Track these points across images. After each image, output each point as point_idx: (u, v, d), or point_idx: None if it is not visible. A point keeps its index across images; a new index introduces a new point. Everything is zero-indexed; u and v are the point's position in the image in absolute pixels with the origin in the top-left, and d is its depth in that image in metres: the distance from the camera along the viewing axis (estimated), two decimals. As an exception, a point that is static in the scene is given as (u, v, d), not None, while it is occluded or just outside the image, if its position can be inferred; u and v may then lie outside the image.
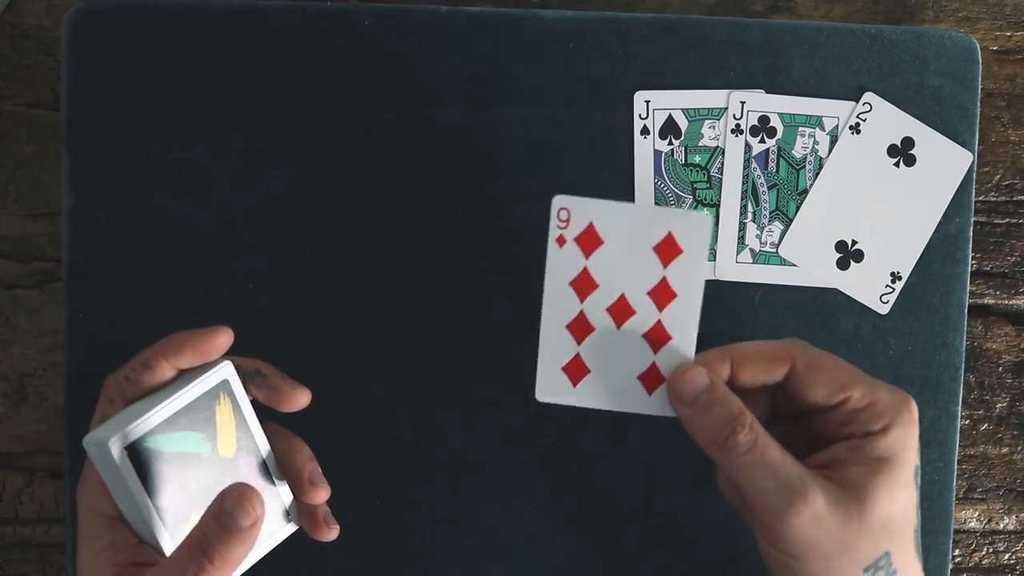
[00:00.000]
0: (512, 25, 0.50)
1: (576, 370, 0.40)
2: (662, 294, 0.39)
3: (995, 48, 0.55)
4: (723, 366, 0.40)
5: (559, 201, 0.39)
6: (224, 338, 0.41)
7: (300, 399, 0.42)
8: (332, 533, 0.43)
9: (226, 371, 0.42)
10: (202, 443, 0.41)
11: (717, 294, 0.51)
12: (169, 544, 0.39)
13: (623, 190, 0.50)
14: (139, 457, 0.39)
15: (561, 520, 0.51)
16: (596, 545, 0.51)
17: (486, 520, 0.51)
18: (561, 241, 0.39)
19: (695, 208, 0.50)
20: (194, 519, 0.40)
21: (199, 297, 0.50)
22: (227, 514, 0.37)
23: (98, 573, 0.39)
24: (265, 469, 0.43)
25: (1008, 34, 0.55)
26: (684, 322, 0.39)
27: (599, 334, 0.40)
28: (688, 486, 0.51)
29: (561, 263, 0.39)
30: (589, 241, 0.39)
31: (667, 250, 0.38)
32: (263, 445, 0.43)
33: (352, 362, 0.50)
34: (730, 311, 0.51)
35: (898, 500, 0.38)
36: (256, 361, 0.43)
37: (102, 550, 0.39)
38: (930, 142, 0.51)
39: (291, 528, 0.44)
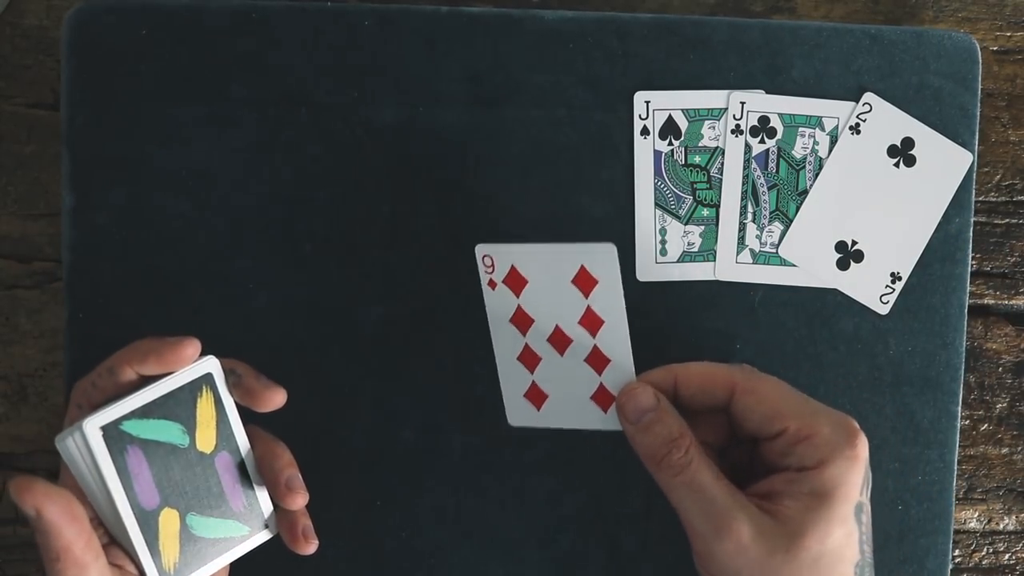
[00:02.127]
0: (512, 25, 0.50)
1: (536, 396, 0.43)
2: (591, 322, 0.41)
3: (995, 48, 0.55)
4: (667, 385, 0.42)
5: (481, 249, 0.42)
6: (191, 349, 0.40)
7: (275, 399, 0.42)
8: (310, 547, 0.43)
9: (210, 365, 0.41)
10: (180, 434, 0.41)
11: (717, 294, 0.51)
12: (137, 535, 0.39)
13: (623, 190, 0.50)
14: (115, 439, 0.39)
15: (561, 520, 0.51)
16: (596, 545, 0.51)
17: (486, 520, 0.51)
18: (492, 285, 0.42)
19: (694, 208, 0.50)
20: (166, 511, 0.40)
21: (199, 297, 0.50)
22: (26, 513, 0.37)
23: None
24: (243, 470, 0.43)
25: (1008, 34, 0.55)
26: (617, 345, 0.41)
27: (547, 362, 0.43)
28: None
29: (497, 304, 0.42)
30: (516, 282, 0.42)
31: (584, 282, 0.41)
32: (243, 446, 0.43)
33: (352, 362, 0.50)
34: (730, 311, 0.51)
35: (831, 537, 0.38)
36: (231, 360, 0.43)
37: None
38: (930, 142, 0.51)
39: (266, 535, 0.43)
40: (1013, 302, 0.55)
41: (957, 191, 0.51)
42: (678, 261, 0.50)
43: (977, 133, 0.51)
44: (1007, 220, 0.55)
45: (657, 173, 0.50)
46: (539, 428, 0.44)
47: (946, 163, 0.51)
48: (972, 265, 0.52)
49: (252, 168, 0.50)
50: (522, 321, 0.42)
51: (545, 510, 0.51)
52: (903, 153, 0.51)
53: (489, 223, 0.50)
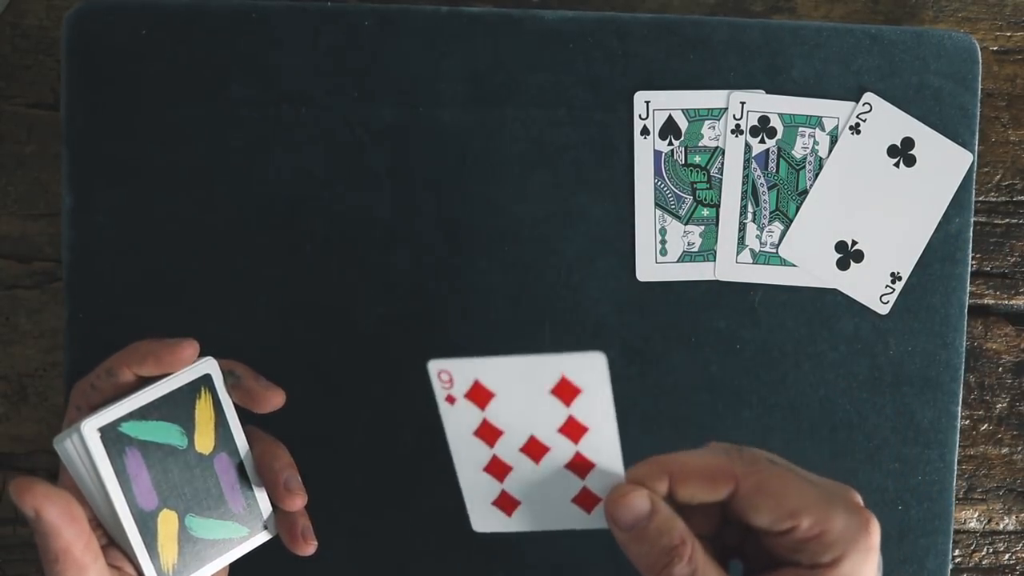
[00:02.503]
0: (512, 25, 0.50)
1: (507, 503, 0.38)
2: (573, 430, 0.36)
3: (995, 48, 0.55)
4: (660, 483, 0.37)
5: (435, 365, 0.36)
6: (189, 351, 0.40)
7: (273, 400, 0.42)
8: (308, 548, 0.43)
9: (209, 366, 0.41)
10: (179, 436, 0.41)
11: (717, 294, 0.51)
12: (136, 536, 0.39)
13: (623, 190, 0.50)
14: (113, 441, 0.39)
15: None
16: (596, 545, 0.51)
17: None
18: (451, 400, 0.36)
19: (695, 208, 0.50)
20: (164, 512, 0.40)
21: (199, 297, 0.50)
22: (26, 514, 0.36)
23: None
24: (242, 471, 0.43)
25: (1008, 34, 0.55)
26: (605, 448, 0.37)
27: (519, 471, 0.37)
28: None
29: (458, 418, 0.37)
30: (480, 396, 0.36)
31: (566, 392, 0.36)
32: (242, 447, 0.43)
33: (352, 362, 0.50)
34: (730, 311, 0.51)
35: None
36: (229, 362, 0.43)
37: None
38: (930, 142, 0.51)
39: (264, 536, 0.43)
40: (1013, 302, 0.55)
41: (957, 191, 0.51)
42: (678, 261, 0.50)
43: (977, 133, 0.51)
44: (1007, 220, 0.55)
45: (657, 173, 0.50)
46: (510, 533, 0.39)
47: (946, 163, 0.51)
48: (972, 265, 0.52)
49: (252, 168, 0.50)
50: (489, 434, 0.37)
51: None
52: (903, 153, 0.51)
53: (489, 223, 0.50)
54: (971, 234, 0.51)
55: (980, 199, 0.55)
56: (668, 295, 0.50)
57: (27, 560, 0.53)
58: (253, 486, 0.43)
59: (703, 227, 0.51)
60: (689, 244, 0.50)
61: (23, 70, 0.52)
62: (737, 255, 0.51)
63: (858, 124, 0.51)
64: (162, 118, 0.49)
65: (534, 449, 0.37)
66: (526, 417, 0.36)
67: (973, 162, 0.51)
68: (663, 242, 0.50)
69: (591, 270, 0.50)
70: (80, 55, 0.49)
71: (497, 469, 0.37)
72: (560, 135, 0.50)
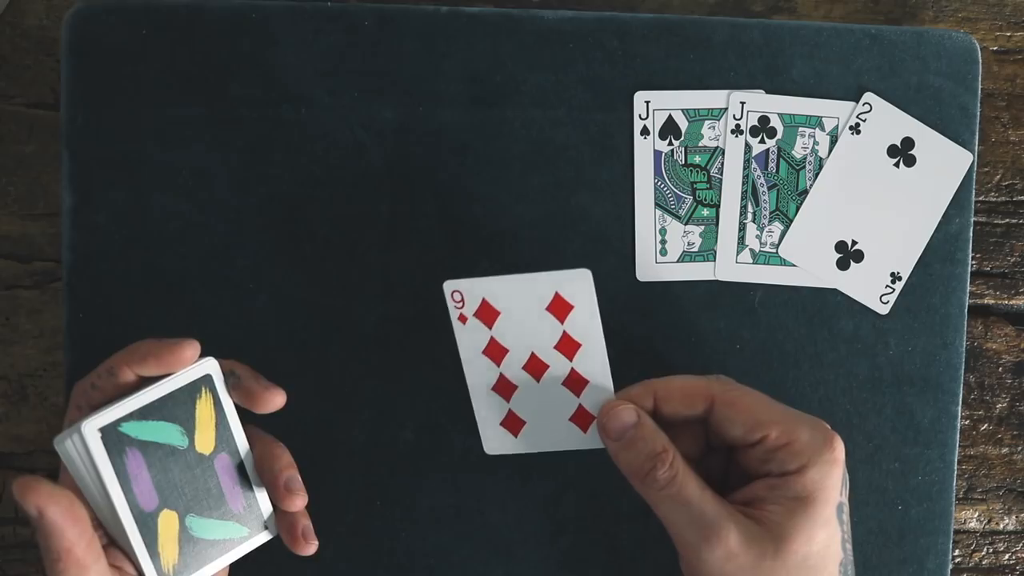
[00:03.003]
0: (512, 25, 0.50)
1: (513, 423, 0.44)
2: (568, 346, 0.42)
3: (995, 48, 0.55)
4: (647, 400, 0.42)
5: (450, 285, 0.42)
6: (190, 351, 0.40)
7: (274, 400, 0.42)
8: (309, 548, 0.43)
9: (209, 366, 0.41)
10: (179, 436, 0.41)
11: (717, 294, 0.51)
12: (136, 536, 0.39)
13: (623, 190, 0.50)
14: (114, 441, 0.39)
15: (561, 520, 0.51)
16: (596, 545, 0.51)
17: (486, 520, 0.51)
18: (463, 319, 0.42)
19: (694, 208, 0.50)
20: (165, 513, 0.40)
21: (199, 297, 0.50)
22: (27, 514, 0.37)
23: None
24: (242, 471, 0.43)
25: (1008, 34, 0.55)
26: (595, 365, 0.42)
27: (523, 390, 0.43)
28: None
29: (469, 338, 0.42)
30: (488, 315, 0.42)
31: (560, 308, 0.42)
32: (243, 447, 0.43)
33: (352, 362, 0.50)
34: (730, 311, 0.51)
35: (816, 539, 0.39)
36: (230, 362, 0.43)
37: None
38: (930, 142, 0.51)
39: (265, 536, 0.43)
40: (1013, 302, 0.55)
41: (957, 191, 0.51)
42: (678, 261, 0.50)
43: (977, 133, 0.51)
44: (1007, 220, 0.55)
45: (657, 173, 0.50)
46: (517, 455, 0.45)
47: (946, 163, 0.51)
48: (972, 265, 0.52)
49: (252, 168, 0.50)
50: (496, 352, 0.43)
51: (545, 510, 0.51)
52: (903, 153, 0.51)
53: (489, 223, 0.50)
54: (971, 234, 0.51)
55: (980, 199, 0.55)
56: (668, 295, 0.51)
57: (27, 560, 0.53)
58: (254, 486, 0.43)
59: (703, 227, 0.51)
60: (689, 244, 0.50)
61: (23, 70, 0.52)
62: (737, 255, 0.51)
63: (858, 124, 0.51)
64: (162, 118, 0.49)
65: (535, 367, 0.42)
66: (528, 335, 0.42)
67: (973, 162, 0.51)
68: (663, 242, 0.50)
69: (591, 270, 0.50)
70: (80, 55, 0.49)
71: (504, 388, 0.43)
72: (560, 135, 0.50)
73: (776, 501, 0.40)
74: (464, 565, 0.50)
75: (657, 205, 0.50)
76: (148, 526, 0.40)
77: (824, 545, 0.39)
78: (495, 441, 0.44)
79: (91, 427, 0.38)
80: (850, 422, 0.51)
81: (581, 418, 0.43)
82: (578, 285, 0.41)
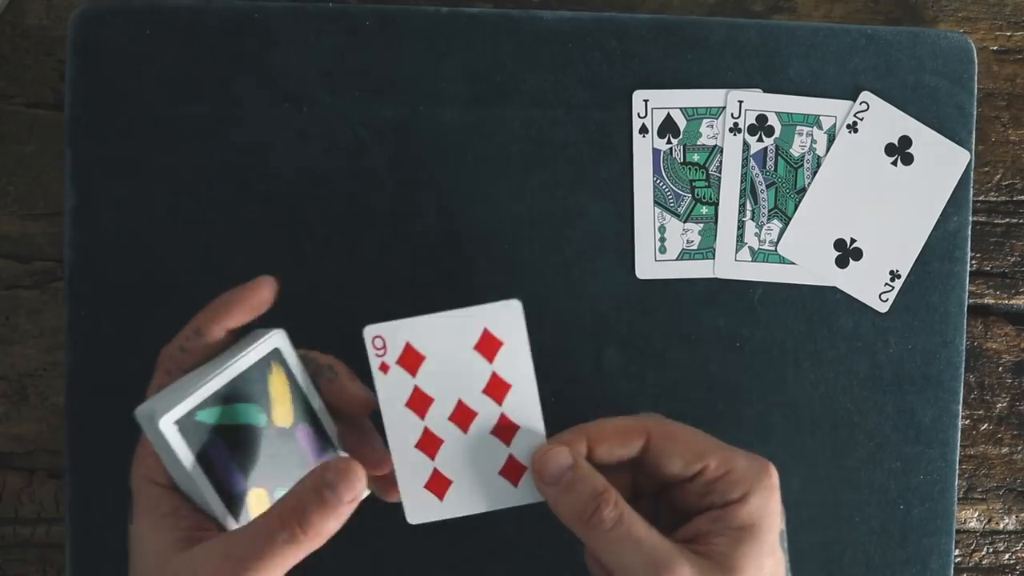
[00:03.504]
0: (512, 25, 0.50)
1: (438, 484, 0.40)
2: (497, 388, 0.39)
3: (995, 48, 0.55)
4: (580, 445, 0.40)
5: (371, 330, 0.39)
6: (267, 290, 0.40)
7: (363, 403, 0.41)
8: (396, 495, 0.42)
9: (277, 339, 0.40)
10: (256, 414, 0.39)
11: (716, 292, 0.51)
12: (229, 520, 0.38)
13: (622, 189, 0.50)
14: (191, 432, 0.37)
15: (561, 520, 0.50)
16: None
17: (486, 520, 0.50)
18: (384, 368, 0.39)
19: (693, 206, 0.51)
20: (253, 491, 0.39)
21: (199, 297, 0.49)
22: (328, 486, 0.36)
23: (162, 539, 0.37)
24: (326, 438, 0.42)
25: (1008, 34, 0.55)
26: (526, 407, 0.39)
27: (449, 444, 0.40)
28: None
29: (391, 388, 0.39)
30: (412, 361, 0.39)
31: (488, 346, 0.39)
32: (323, 415, 0.42)
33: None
34: (729, 310, 0.51)
35: (765, 567, 0.38)
36: (330, 356, 0.42)
37: (164, 516, 0.38)
38: (927, 141, 0.51)
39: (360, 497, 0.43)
40: (1013, 302, 0.55)
41: (955, 189, 0.51)
42: (677, 259, 0.50)
43: (974, 131, 0.51)
44: (1007, 220, 0.55)
45: (656, 171, 0.50)
46: (442, 521, 0.41)
47: (943, 161, 0.51)
48: (972, 265, 0.52)
49: (253, 167, 0.50)
50: (420, 403, 0.39)
51: (545, 510, 0.51)
52: (900, 151, 0.51)
53: (489, 223, 0.50)
54: (970, 232, 0.51)
55: (980, 199, 0.55)
56: (667, 293, 0.51)
57: (27, 560, 0.53)
58: (339, 451, 0.42)
59: (702, 225, 0.51)
60: (688, 242, 0.50)
61: (23, 70, 0.53)
62: (736, 253, 0.51)
63: (855, 123, 0.51)
64: (164, 118, 0.49)
65: (463, 416, 0.39)
66: (454, 379, 0.39)
67: (970, 160, 0.51)
68: (662, 240, 0.50)
69: (591, 268, 0.50)
70: (84, 55, 0.49)
71: (429, 444, 0.40)
72: (559, 134, 0.50)
73: (721, 532, 0.38)
74: (464, 565, 0.50)
75: (656, 203, 0.50)
76: (239, 507, 0.39)
77: (772, 573, 0.38)
78: (419, 508, 0.40)
79: (167, 420, 0.37)
80: (851, 420, 0.51)
81: (511, 470, 0.40)
82: (507, 319, 0.38)
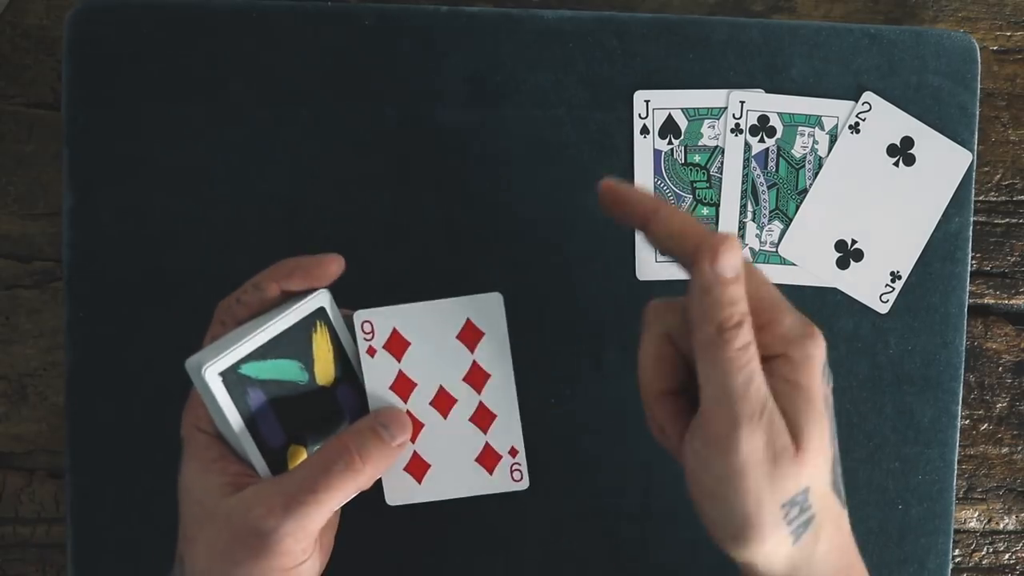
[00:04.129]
0: (512, 25, 0.50)
1: (417, 467, 0.42)
2: (476, 377, 0.41)
3: (995, 48, 0.55)
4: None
5: (361, 315, 0.41)
6: (335, 265, 0.41)
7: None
8: None
9: (322, 298, 0.41)
10: (299, 371, 0.40)
11: (717, 294, 0.51)
12: (265, 470, 0.39)
13: (623, 190, 0.50)
14: (235, 383, 0.38)
15: (561, 520, 0.51)
16: (596, 545, 0.51)
17: (486, 520, 0.51)
18: (371, 352, 0.41)
19: (694, 207, 0.51)
20: (292, 448, 0.40)
21: (199, 297, 0.49)
22: (382, 426, 0.39)
23: (211, 483, 0.39)
24: (365, 401, 0.42)
25: (1008, 34, 0.55)
26: (504, 397, 0.41)
27: (429, 429, 0.41)
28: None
29: (377, 372, 0.41)
30: (398, 346, 0.41)
31: (470, 336, 0.41)
32: (363, 378, 0.42)
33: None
34: (730, 311, 0.51)
35: (824, 436, 0.36)
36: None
37: (213, 461, 0.39)
38: (929, 141, 0.51)
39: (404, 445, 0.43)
40: (1013, 302, 0.55)
41: (957, 190, 0.51)
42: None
43: (976, 132, 0.51)
44: (1007, 220, 0.55)
45: (657, 172, 0.50)
46: (419, 504, 0.43)
47: (945, 162, 0.51)
48: (972, 265, 0.52)
49: (252, 168, 0.50)
50: (403, 387, 0.41)
51: (545, 510, 0.51)
52: (902, 152, 0.51)
53: (489, 223, 0.50)
54: (971, 233, 0.51)
55: (980, 199, 0.55)
56: (668, 294, 0.50)
57: (27, 560, 0.53)
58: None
59: (703, 226, 0.51)
60: (689, 243, 0.50)
61: (23, 70, 0.52)
62: (737, 254, 0.51)
63: (857, 123, 0.51)
64: (163, 117, 0.49)
65: (443, 402, 0.41)
66: (436, 366, 0.41)
67: (972, 161, 0.51)
68: (663, 241, 0.50)
69: (591, 270, 0.50)
70: (81, 54, 0.49)
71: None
72: (560, 134, 0.50)
73: (787, 399, 0.36)
74: (464, 565, 0.50)
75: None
76: (278, 461, 0.39)
77: (819, 442, 0.36)
78: (398, 490, 0.42)
79: (212, 371, 0.38)
80: (850, 421, 0.51)
81: (487, 458, 0.42)
82: (489, 311, 0.40)
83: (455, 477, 0.42)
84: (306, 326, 0.40)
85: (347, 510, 0.50)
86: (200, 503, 0.39)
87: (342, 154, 0.50)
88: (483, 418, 0.42)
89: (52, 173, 0.52)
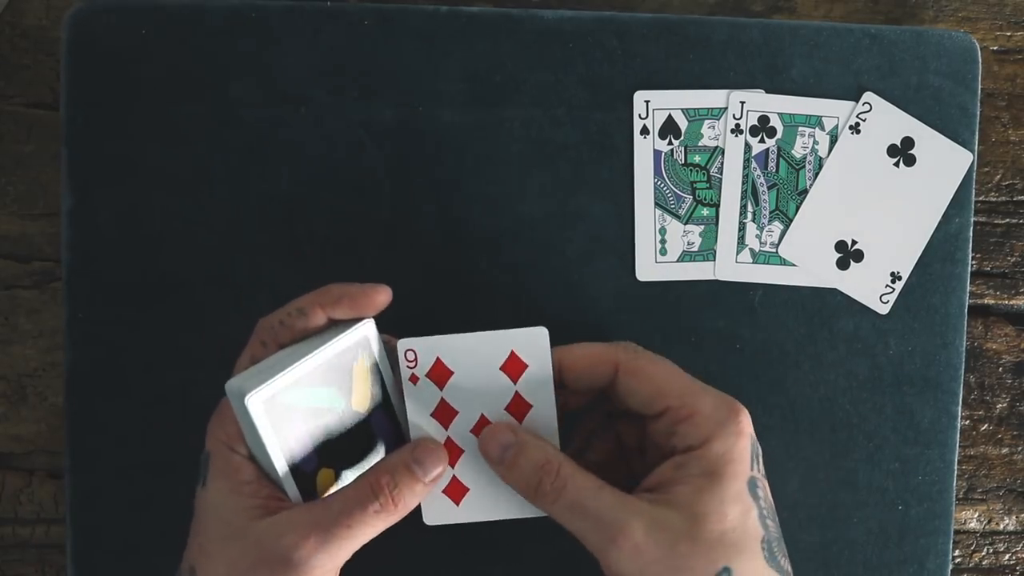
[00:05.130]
0: (512, 25, 0.50)
1: (456, 491, 0.42)
2: (519, 407, 0.41)
3: (995, 48, 0.55)
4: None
5: (404, 344, 0.41)
6: (383, 296, 0.41)
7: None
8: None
9: (367, 329, 0.41)
10: (337, 398, 0.40)
11: (717, 294, 0.51)
12: (297, 496, 0.39)
13: (623, 190, 0.50)
14: (276, 411, 0.38)
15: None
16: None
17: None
18: (414, 380, 0.41)
19: (694, 208, 0.50)
20: (323, 471, 0.40)
21: (199, 297, 0.50)
22: (418, 463, 0.39)
23: (241, 504, 0.39)
24: (398, 427, 0.42)
25: (1008, 34, 0.55)
26: (544, 427, 0.41)
27: (469, 454, 0.41)
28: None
29: (419, 399, 0.41)
30: (440, 374, 0.41)
31: (514, 367, 0.41)
32: (400, 407, 0.42)
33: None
34: (730, 311, 0.51)
35: (729, 516, 0.37)
36: (389, 336, 0.43)
37: (247, 483, 0.39)
38: (930, 142, 0.51)
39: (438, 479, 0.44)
40: (1013, 302, 0.55)
41: (957, 190, 0.51)
42: (678, 261, 0.50)
43: (977, 132, 0.51)
44: (1007, 220, 0.55)
45: (657, 173, 0.50)
46: (458, 524, 0.43)
47: (946, 162, 0.51)
48: (972, 265, 0.52)
49: (252, 168, 0.50)
50: (445, 414, 0.41)
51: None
52: (903, 152, 0.51)
53: (489, 223, 0.50)
54: (971, 234, 0.51)
55: (980, 199, 0.55)
56: (668, 295, 0.50)
57: (26, 560, 0.53)
58: (411, 438, 0.42)
59: (703, 227, 0.51)
60: (689, 244, 0.50)
61: (22, 70, 0.52)
62: (737, 255, 0.51)
63: (858, 124, 0.51)
64: (162, 118, 0.49)
65: (483, 429, 0.41)
66: (478, 396, 0.41)
67: (973, 161, 0.51)
68: (663, 242, 0.50)
69: (591, 270, 0.50)
70: (80, 55, 0.49)
71: (449, 452, 0.41)
72: (560, 135, 0.50)
73: (683, 480, 0.38)
74: (464, 565, 0.50)
75: (657, 205, 0.50)
76: (307, 485, 0.39)
77: (739, 522, 0.37)
78: (436, 510, 0.42)
79: (256, 399, 0.38)
80: (850, 422, 0.51)
81: None
82: (534, 344, 0.40)
83: (493, 500, 0.42)
84: (349, 355, 0.41)
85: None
86: (227, 523, 0.38)
87: (342, 154, 0.50)
88: None
89: (51, 173, 0.52)
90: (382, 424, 0.42)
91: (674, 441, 0.39)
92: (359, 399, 0.41)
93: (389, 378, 0.42)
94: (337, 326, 0.41)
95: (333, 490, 0.40)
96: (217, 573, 0.38)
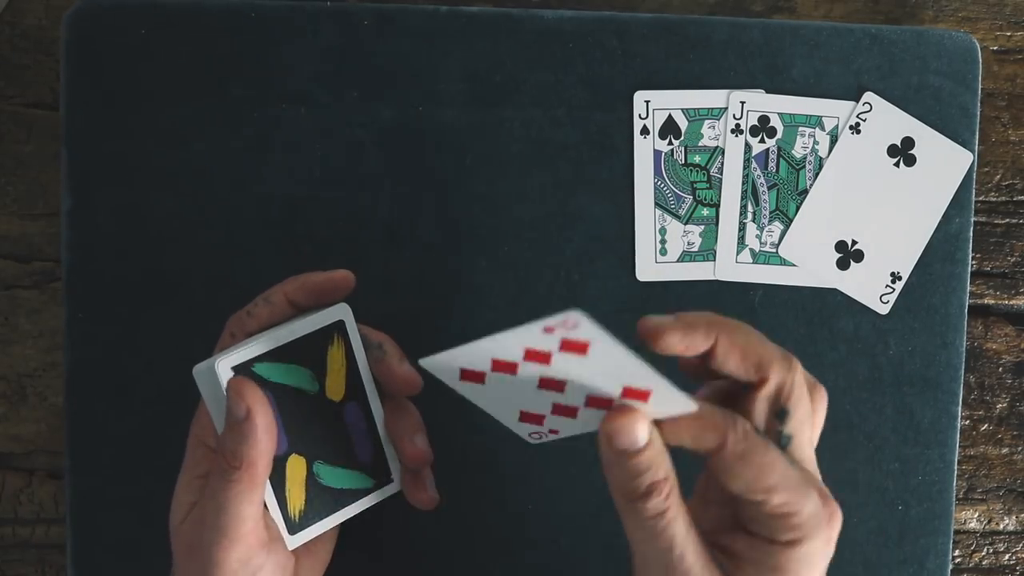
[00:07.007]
0: (512, 25, 0.50)
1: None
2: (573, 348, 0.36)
3: (995, 48, 0.55)
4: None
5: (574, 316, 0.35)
6: (345, 283, 0.41)
7: (410, 386, 0.42)
8: (428, 501, 0.43)
9: (342, 311, 0.41)
10: (309, 381, 0.40)
11: (717, 294, 0.51)
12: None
13: (623, 190, 0.50)
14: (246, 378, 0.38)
15: (561, 520, 0.51)
16: (596, 545, 0.51)
17: (486, 520, 0.51)
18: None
19: (694, 208, 0.50)
20: (293, 457, 0.40)
21: (199, 297, 0.50)
22: (229, 411, 0.38)
23: (189, 495, 0.40)
24: (371, 423, 0.42)
25: (1008, 34, 0.55)
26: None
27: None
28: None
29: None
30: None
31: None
32: (373, 400, 0.42)
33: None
34: (730, 311, 0.50)
35: None
36: (382, 334, 0.43)
37: (198, 477, 0.40)
38: (930, 142, 0.51)
39: (392, 488, 0.43)
40: (1013, 302, 0.55)
41: (957, 190, 0.51)
42: (678, 261, 0.50)
43: (977, 133, 0.51)
44: (1007, 220, 0.55)
45: (657, 173, 0.50)
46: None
47: (946, 162, 0.51)
48: (972, 265, 0.52)
49: (252, 168, 0.50)
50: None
51: (545, 510, 0.51)
52: (903, 153, 0.51)
53: (489, 223, 0.50)
54: (971, 234, 0.51)
55: (980, 199, 0.55)
56: (668, 295, 0.50)
57: (26, 560, 0.53)
58: (382, 439, 0.43)
59: (703, 227, 0.51)
60: (689, 244, 0.50)
61: (22, 70, 0.52)
62: (737, 255, 0.51)
63: (858, 124, 0.51)
64: (161, 118, 0.49)
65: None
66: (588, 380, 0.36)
67: (973, 161, 0.51)
68: (663, 242, 0.50)
69: (591, 270, 0.50)
70: (79, 55, 0.49)
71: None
72: (560, 135, 0.50)
73: (756, 566, 0.35)
74: (464, 565, 0.50)
75: (657, 205, 0.50)
76: (276, 469, 0.39)
77: None
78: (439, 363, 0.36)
79: (225, 364, 0.38)
80: (850, 422, 0.51)
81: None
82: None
83: (504, 407, 0.38)
84: (324, 338, 0.41)
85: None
86: (176, 515, 0.40)
87: (341, 154, 0.50)
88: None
89: (51, 173, 0.52)
90: (355, 417, 0.42)
91: (759, 528, 0.36)
92: (333, 387, 0.41)
93: (365, 369, 0.42)
94: (313, 311, 0.41)
95: (301, 484, 0.40)
96: (187, 570, 0.39)
